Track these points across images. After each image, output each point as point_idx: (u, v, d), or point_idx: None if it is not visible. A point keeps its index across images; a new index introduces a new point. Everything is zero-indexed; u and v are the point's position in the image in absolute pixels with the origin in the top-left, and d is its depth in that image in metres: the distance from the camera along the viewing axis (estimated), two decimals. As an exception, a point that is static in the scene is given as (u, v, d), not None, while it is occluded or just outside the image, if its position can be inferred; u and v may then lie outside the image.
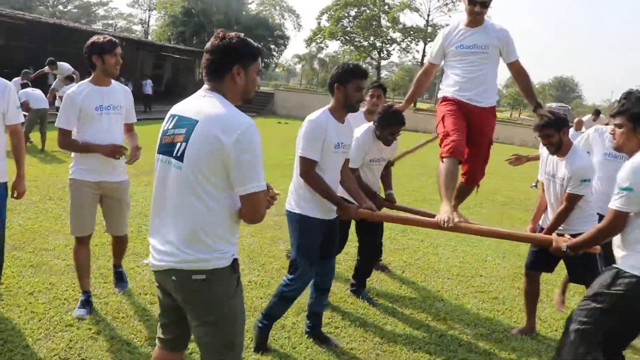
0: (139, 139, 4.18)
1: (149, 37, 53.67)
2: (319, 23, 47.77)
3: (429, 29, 46.86)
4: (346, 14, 46.57)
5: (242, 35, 2.35)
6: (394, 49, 49.56)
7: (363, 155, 4.38)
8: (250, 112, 28.56)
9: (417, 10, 47.46)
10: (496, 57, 4.17)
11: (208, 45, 2.36)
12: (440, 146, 4.03)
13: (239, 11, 42.99)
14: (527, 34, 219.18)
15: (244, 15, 43.31)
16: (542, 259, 4.20)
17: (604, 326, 2.91)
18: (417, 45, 49.30)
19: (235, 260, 2.33)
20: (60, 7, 69.70)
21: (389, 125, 4.31)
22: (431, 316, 4.56)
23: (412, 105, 44.55)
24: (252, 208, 2.23)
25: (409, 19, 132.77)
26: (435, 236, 6.99)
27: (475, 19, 4.09)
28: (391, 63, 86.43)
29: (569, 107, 51.31)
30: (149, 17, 66.72)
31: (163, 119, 2.44)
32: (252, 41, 2.38)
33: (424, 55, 48.60)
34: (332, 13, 46.33)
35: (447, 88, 4.24)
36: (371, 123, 4.46)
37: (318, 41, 49.68)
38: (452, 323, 4.48)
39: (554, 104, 62.87)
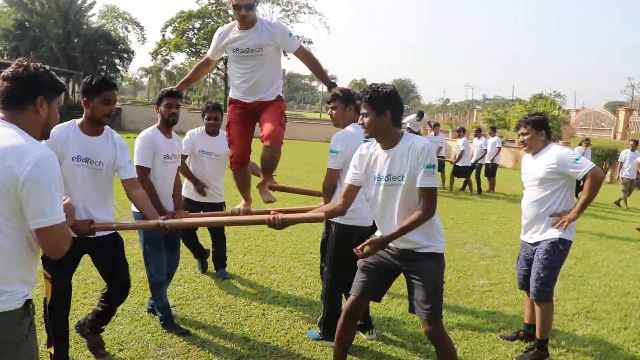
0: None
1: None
2: (163, 35, 47.37)
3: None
4: (191, 26, 46.61)
5: (47, 67, 2.32)
6: (240, 59, 50.47)
7: (191, 147, 5.44)
8: (97, 127, 27.70)
9: (260, 21, 48.87)
10: (274, 55, 4.19)
11: (7, 72, 2.22)
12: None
13: (79, 24, 41.39)
14: (372, 42, 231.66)
15: (84, 28, 41.75)
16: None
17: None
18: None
19: (28, 302, 2.15)
20: None
21: (205, 112, 5.54)
22: (266, 284, 5.59)
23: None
24: (49, 242, 2.10)
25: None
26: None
27: (245, 22, 4.06)
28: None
29: (408, 107, 55.58)
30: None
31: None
32: (56, 75, 2.34)
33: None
34: (177, 25, 46.23)
35: (233, 89, 4.30)
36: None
37: (164, 54, 49.24)
38: (283, 288, 5.53)
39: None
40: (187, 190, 5.48)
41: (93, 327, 3.84)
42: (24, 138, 2.11)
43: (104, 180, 3.60)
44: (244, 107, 4.18)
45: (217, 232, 5.83)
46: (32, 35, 38.97)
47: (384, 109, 3.23)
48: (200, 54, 48.11)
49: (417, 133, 16.84)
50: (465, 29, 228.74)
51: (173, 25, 46.69)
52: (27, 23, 39.25)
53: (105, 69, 43.40)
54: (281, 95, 4.28)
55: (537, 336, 4.28)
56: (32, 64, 2.27)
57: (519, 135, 4.52)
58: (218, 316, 4.70)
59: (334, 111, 4.31)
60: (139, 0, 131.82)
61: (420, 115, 16.93)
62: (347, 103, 4.23)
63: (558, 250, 4.20)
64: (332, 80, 4.32)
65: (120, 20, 49.46)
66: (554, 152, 4.26)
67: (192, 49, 46.97)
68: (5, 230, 2.04)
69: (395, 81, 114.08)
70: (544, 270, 4.19)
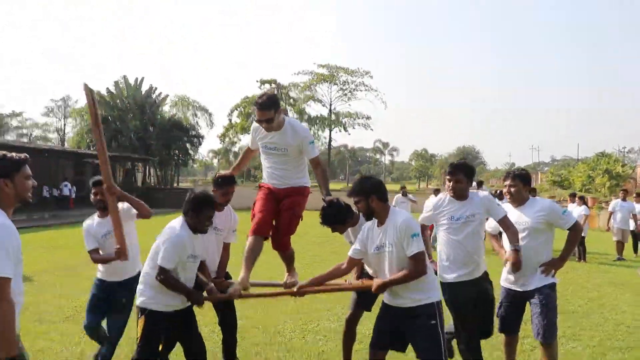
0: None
1: (66, 144, 54.65)
2: (230, 119, 49.88)
3: (333, 117, 50.74)
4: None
5: (1, 153, 2.67)
6: (302, 138, 52.23)
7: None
8: (171, 207, 29.94)
9: (320, 101, 51.09)
10: (298, 153, 4.70)
11: None
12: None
13: (154, 115, 44.68)
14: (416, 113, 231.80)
15: (158, 119, 45.02)
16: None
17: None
18: (323, 132, 52.53)
19: None
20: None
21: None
22: (312, 313, 7.02)
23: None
24: None
25: (313, 109, 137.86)
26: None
27: (269, 129, 4.56)
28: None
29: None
30: (65, 125, 67.79)
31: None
32: (13, 155, 2.70)
33: (330, 141, 53.08)
34: (242, 109, 48.51)
35: (264, 175, 4.92)
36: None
37: (231, 136, 51.63)
38: (322, 322, 6.94)
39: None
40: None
41: None
42: None
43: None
44: (269, 189, 4.80)
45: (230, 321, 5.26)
46: (114, 128, 42.16)
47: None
48: (264, 135, 50.46)
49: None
50: (529, 90, 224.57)
51: (238, 109, 49.23)
52: (109, 117, 42.72)
53: (178, 154, 46.30)
54: (307, 186, 4.88)
55: None
56: None
57: (506, 186, 4.82)
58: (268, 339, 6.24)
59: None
60: (207, 89, 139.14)
61: (479, 184, 17.19)
62: None
63: (554, 292, 4.69)
64: (328, 192, 4.69)
65: (190, 107, 52.62)
66: (543, 204, 4.77)
67: (257, 131, 48.98)
68: None
69: (458, 149, 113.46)
70: (550, 311, 4.58)
